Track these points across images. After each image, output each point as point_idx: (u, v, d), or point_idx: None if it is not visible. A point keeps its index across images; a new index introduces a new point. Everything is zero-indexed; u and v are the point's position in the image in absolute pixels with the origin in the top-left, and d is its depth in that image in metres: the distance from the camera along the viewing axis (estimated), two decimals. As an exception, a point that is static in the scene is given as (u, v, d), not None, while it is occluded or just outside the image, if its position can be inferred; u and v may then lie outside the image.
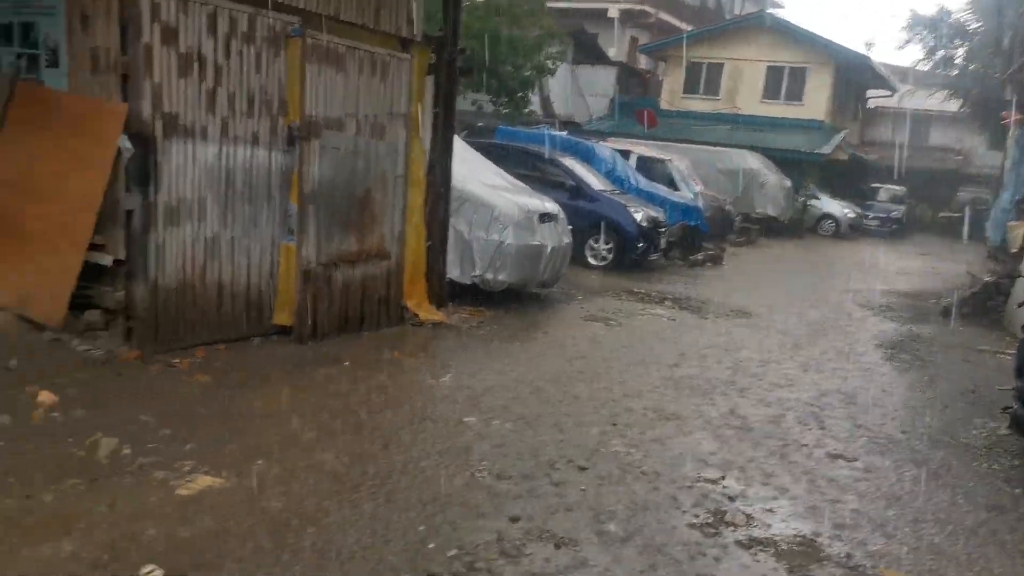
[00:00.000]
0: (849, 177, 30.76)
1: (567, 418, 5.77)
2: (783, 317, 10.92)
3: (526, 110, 20.77)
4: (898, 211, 30.14)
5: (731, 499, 4.67)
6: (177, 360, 5.80)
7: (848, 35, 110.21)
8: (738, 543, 4.15)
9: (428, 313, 8.04)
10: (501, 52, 18.37)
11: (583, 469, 4.85)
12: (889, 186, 30.70)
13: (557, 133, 16.87)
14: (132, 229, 5.72)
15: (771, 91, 29.16)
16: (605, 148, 16.37)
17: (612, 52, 30.16)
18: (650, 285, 12.24)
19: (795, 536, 4.30)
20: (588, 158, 15.02)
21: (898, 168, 26.50)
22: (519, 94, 20.19)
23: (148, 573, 3.25)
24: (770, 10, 32.31)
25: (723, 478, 4.97)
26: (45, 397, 4.75)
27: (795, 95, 28.97)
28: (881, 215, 29.67)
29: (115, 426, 4.51)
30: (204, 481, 4.07)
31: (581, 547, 3.90)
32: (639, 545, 3.99)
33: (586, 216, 12.61)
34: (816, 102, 28.75)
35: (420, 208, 8.05)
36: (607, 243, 13.20)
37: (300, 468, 4.40)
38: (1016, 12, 21.63)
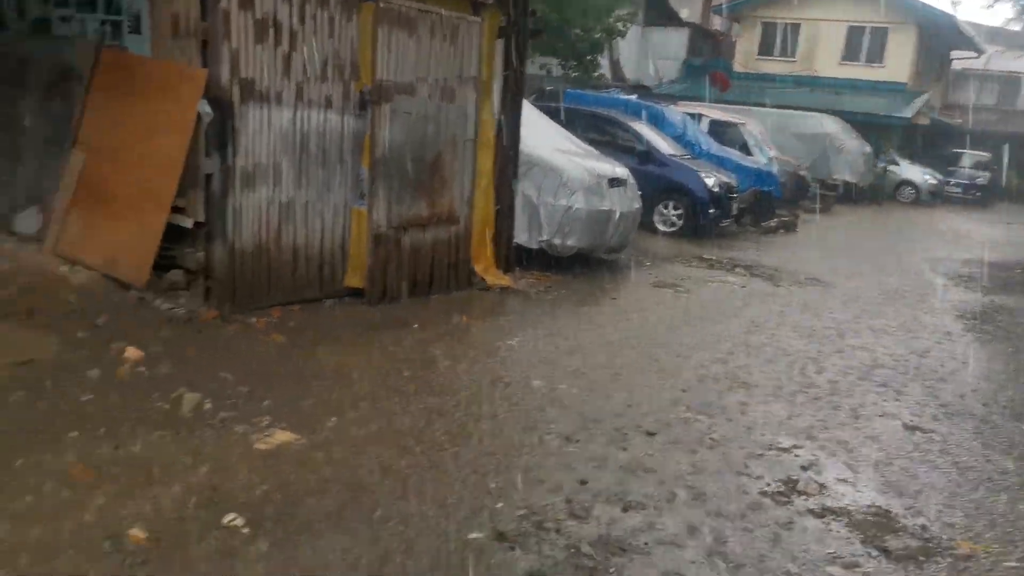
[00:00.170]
0: (931, 142, 29.65)
1: (635, 383, 5.76)
2: (859, 285, 10.64)
3: (595, 74, 20.47)
4: (983, 177, 28.83)
5: (803, 468, 4.61)
6: (254, 320, 5.97)
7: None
8: (810, 512, 4.10)
9: (496, 278, 8.07)
10: (571, 14, 18.10)
11: (652, 435, 4.84)
12: (973, 152, 29.46)
13: (627, 97, 16.63)
14: (211, 192, 5.86)
15: (850, 52, 28.16)
16: (675, 112, 16.05)
17: (684, 13, 29.45)
18: (721, 252, 12.04)
19: (869, 506, 4.23)
20: (658, 122, 14.75)
21: (983, 133, 25.37)
22: (588, 57, 19.88)
23: (230, 521, 3.38)
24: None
25: (796, 447, 4.91)
26: (131, 353, 4.94)
27: (875, 57, 27.93)
28: (964, 181, 28.44)
29: (197, 382, 4.68)
30: (281, 436, 4.21)
31: (649, 511, 3.91)
32: (708, 511, 3.98)
33: (656, 181, 12.43)
34: (898, 64, 27.65)
35: (489, 172, 8.05)
36: (676, 209, 13.00)
37: (372, 426, 4.51)
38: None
